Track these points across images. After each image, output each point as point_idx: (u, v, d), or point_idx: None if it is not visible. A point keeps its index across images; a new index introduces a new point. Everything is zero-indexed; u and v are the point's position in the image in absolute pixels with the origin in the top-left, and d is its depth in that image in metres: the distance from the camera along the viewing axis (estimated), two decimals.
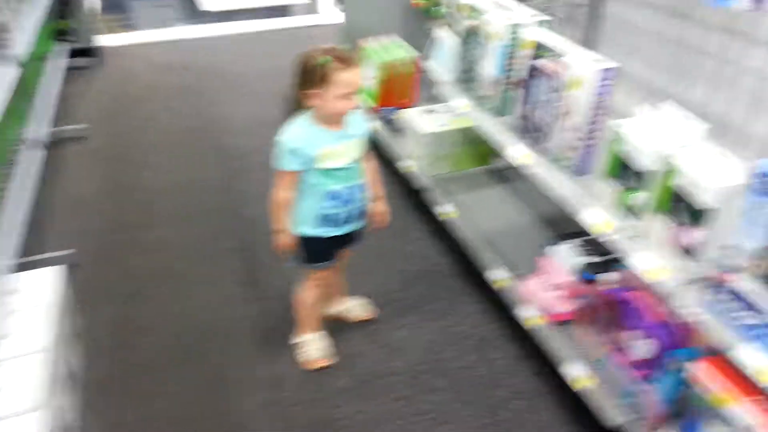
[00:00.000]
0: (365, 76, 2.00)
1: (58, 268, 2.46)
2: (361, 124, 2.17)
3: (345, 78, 1.97)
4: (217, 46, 6.18)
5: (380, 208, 2.32)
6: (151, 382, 2.39)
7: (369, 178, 2.26)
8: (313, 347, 2.44)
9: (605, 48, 2.92)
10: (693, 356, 1.67)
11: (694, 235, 1.56)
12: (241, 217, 3.41)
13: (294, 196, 2.14)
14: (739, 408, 1.45)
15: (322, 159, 2.06)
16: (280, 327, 2.63)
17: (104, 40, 6.17)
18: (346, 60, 1.98)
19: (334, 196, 2.13)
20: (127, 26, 7.03)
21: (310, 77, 1.98)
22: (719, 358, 1.60)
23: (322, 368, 2.42)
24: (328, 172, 2.09)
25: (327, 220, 2.17)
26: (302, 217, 2.17)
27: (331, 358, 2.45)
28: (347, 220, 2.21)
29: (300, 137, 2.04)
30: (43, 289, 2.33)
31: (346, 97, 2.00)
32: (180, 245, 3.19)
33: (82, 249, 3.14)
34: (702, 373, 1.56)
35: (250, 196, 3.60)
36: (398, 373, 2.40)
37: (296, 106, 2.10)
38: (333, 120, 2.07)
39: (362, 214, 2.26)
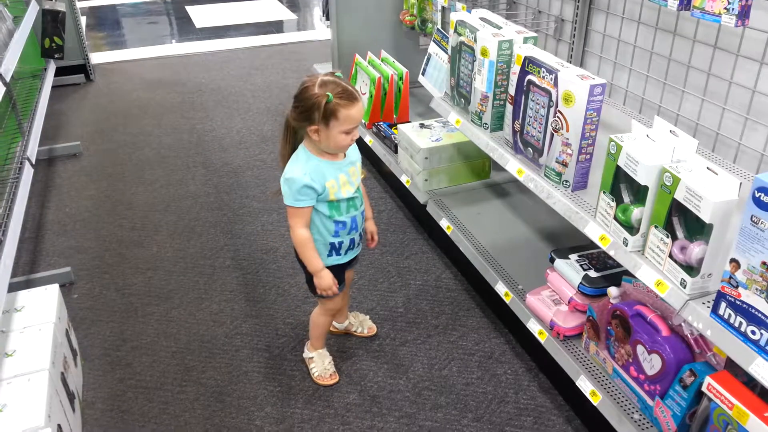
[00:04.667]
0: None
1: (53, 286, 2.42)
2: (354, 150, 2.18)
3: (350, 114, 1.94)
4: (209, 63, 6.18)
5: (372, 227, 2.33)
6: (152, 402, 2.34)
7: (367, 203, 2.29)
8: (321, 364, 2.42)
9: (593, 63, 2.96)
10: (707, 371, 1.65)
11: (693, 250, 1.55)
12: (235, 233, 3.38)
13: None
14: (759, 423, 1.43)
15: (331, 191, 2.06)
16: (280, 343, 2.60)
17: (96, 58, 6.15)
18: (349, 95, 1.94)
19: (340, 226, 2.13)
20: (119, 43, 7.00)
21: (311, 113, 1.94)
22: (732, 373, 1.58)
23: (329, 385, 2.39)
24: (334, 204, 2.09)
25: (333, 248, 2.17)
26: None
27: (335, 375, 2.42)
28: (350, 247, 2.22)
29: (308, 173, 2.01)
30: (39, 307, 2.29)
31: (349, 131, 1.99)
32: (175, 262, 3.15)
33: (77, 267, 3.10)
34: (718, 388, 1.54)
35: (243, 213, 3.57)
36: (401, 390, 2.37)
37: (294, 135, 2.09)
38: (334, 152, 2.07)
39: (361, 238, 2.28)
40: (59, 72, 5.23)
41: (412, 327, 2.68)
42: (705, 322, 1.53)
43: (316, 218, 2.10)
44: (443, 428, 2.22)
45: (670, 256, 1.62)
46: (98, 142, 4.50)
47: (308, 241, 2.09)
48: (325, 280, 2.13)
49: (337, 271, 2.22)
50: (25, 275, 3.01)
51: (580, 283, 2.19)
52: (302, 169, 2.02)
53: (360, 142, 3.94)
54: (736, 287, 1.41)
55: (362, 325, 2.63)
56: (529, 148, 2.21)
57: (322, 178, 2.03)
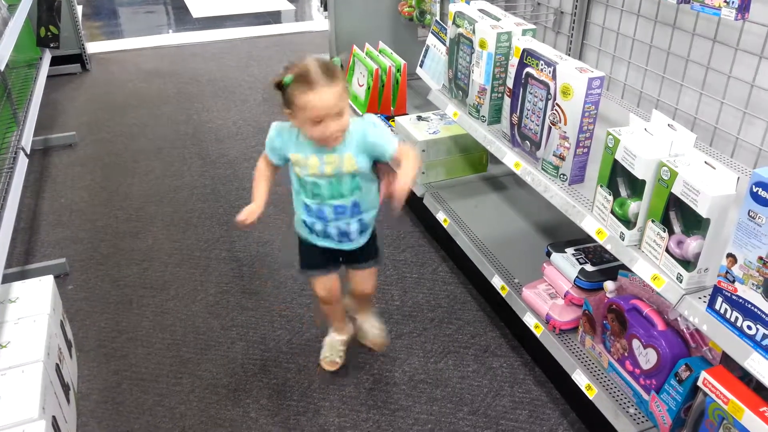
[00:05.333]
0: (342, 94, 1.78)
1: (48, 277, 2.41)
2: (361, 135, 1.91)
3: (309, 101, 1.73)
4: (206, 53, 6.15)
5: (396, 190, 1.89)
6: (147, 393, 2.34)
7: (405, 161, 1.95)
8: (327, 348, 2.41)
9: (592, 55, 2.95)
10: (702, 365, 1.65)
11: (690, 245, 1.55)
12: (231, 224, 3.36)
13: (273, 173, 2.06)
14: (754, 418, 1.43)
15: (295, 165, 1.96)
16: (276, 335, 2.59)
17: (92, 47, 6.12)
18: (308, 80, 1.71)
19: (305, 207, 2.04)
20: (115, 33, 6.96)
21: (282, 97, 1.81)
22: (727, 367, 1.58)
23: (325, 375, 2.39)
24: (300, 180, 1.98)
25: (306, 225, 2.08)
26: (295, 218, 2.12)
27: (335, 363, 2.39)
28: (326, 235, 2.08)
29: (281, 136, 1.95)
30: (33, 299, 2.28)
31: (317, 122, 1.76)
32: (170, 254, 3.13)
33: (72, 258, 3.09)
34: (713, 383, 1.54)
35: (239, 204, 3.53)
36: (397, 383, 2.37)
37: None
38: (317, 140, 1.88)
39: (346, 234, 2.07)
40: (55, 61, 5.19)
41: (408, 320, 2.68)
42: (701, 316, 1.52)
43: (295, 182, 2.03)
44: (438, 421, 2.22)
45: (667, 250, 1.62)
46: (94, 133, 4.47)
47: (260, 174, 2.02)
48: (245, 211, 1.94)
49: (320, 253, 2.13)
50: (19, 266, 3.00)
51: (577, 276, 2.18)
52: (279, 130, 1.96)
53: None
54: (733, 282, 1.41)
55: (372, 334, 2.46)
56: (527, 141, 2.20)
57: (288, 148, 1.94)
